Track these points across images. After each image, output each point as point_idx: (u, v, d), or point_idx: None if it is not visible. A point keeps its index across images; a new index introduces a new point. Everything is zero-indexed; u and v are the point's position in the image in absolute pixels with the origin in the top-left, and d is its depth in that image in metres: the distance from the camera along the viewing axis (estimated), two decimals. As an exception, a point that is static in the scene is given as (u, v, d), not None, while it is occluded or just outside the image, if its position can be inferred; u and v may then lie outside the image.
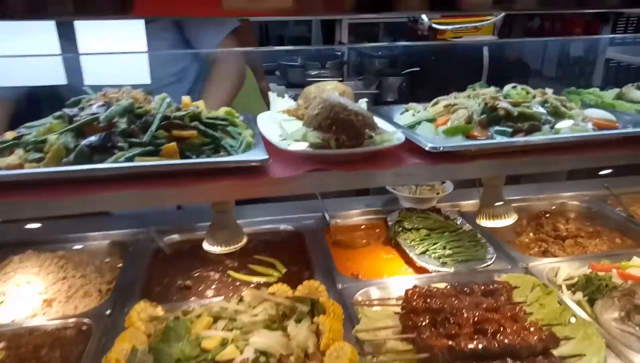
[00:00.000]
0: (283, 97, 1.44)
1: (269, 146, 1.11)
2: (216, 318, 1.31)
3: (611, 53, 5.01)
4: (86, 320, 1.43)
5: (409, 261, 1.80)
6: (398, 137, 1.09)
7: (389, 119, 1.32)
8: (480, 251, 1.78)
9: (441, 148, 1.03)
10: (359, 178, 1.06)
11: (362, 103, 1.40)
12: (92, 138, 1.01)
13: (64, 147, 1.00)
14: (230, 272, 1.74)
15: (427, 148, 1.04)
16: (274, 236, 2.00)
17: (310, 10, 0.93)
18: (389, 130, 1.13)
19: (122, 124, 1.06)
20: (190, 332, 1.25)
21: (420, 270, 1.73)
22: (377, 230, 2.07)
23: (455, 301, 1.44)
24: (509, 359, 1.28)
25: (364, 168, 1.05)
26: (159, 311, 1.41)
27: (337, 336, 1.28)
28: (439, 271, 1.69)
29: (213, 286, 1.68)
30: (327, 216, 2.07)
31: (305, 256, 1.84)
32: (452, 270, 1.69)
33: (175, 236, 1.97)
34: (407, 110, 1.40)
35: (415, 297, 1.45)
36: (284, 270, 1.76)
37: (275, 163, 1.05)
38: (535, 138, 1.10)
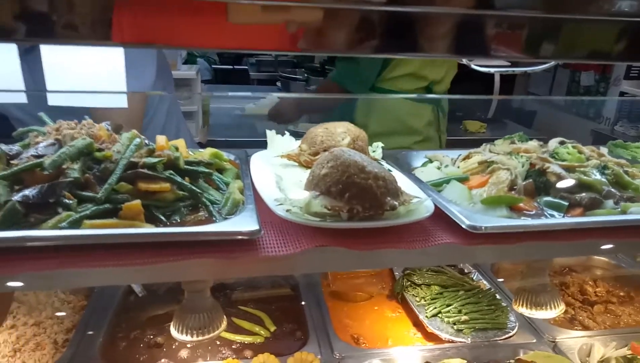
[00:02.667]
0: (283, 135, 1.20)
1: (262, 205, 0.88)
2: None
3: (626, 87, 4.82)
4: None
5: (418, 324, 1.56)
6: (427, 207, 0.86)
7: (408, 170, 1.09)
8: (500, 318, 1.54)
9: (483, 228, 0.80)
10: (374, 257, 0.83)
11: (378, 149, 1.18)
12: (28, 192, 0.77)
13: (-8, 201, 0.76)
14: (211, 327, 1.49)
15: (464, 226, 0.81)
16: (264, 280, 1.76)
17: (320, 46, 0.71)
18: (415, 195, 0.89)
19: (74, 172, 0.82)
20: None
21: (431, 337, 1.50)
22: (381, 280, 1.83)
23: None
24: None
25: (382, 244, 0.82)
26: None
27: None
28: (453, 340, 1.45)
29: (189, 345, 1.43)
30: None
31: (298, 311, 1.60)
32: (469, 340, 1.45)
33: (152, 275, 1.72)
34: (430, 161, 1.17)
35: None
36: (272, 329, 1.51)
37: (269, 234, 0.81)
38: (604, 217, 0.86)
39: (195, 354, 1.41)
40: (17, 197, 0.76)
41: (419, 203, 0.86)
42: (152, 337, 1.45)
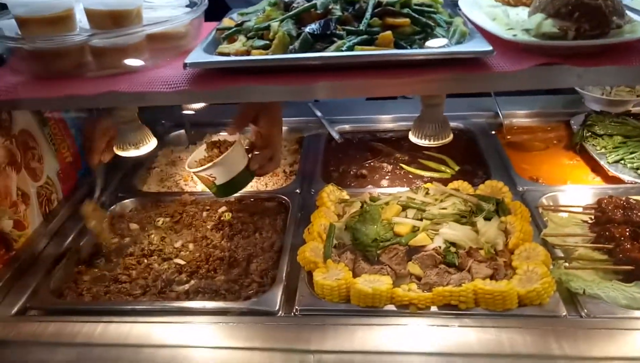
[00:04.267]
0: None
1: (485, 35, 1.03)
2: (405, 207, 1.37)
3: None
4: (283, 196, 1.60)
5: (598, 170, 1.65)
6: (650, 27, 0.93)
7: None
8: (692, 166, 1.55)
9: None
10: (597, 73, 0.94)
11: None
12: (313, 26, 1.02)
13: (288, 34, 1.03)
14: (403, 165, 1.77)
15: (692, 41, 0.88)
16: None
17: None
18: (637, 18, 0.96)
19: (337, 11, 1.06)
20: (382, 217, 1.33)
21: (612, 180, 1.59)
22: (557, 133, 1.91)
23: (660, 218, 1.31)
24: None
25: (604, 62, 0.93)
26: (345, 195, 1.52)
27: (527, 237, 1.27)
28: (637, 182, 1.53)
29: (387, 177, 1.74)
30: (500, 114, 1.96)
31: (477, 155, 1.79)
32: (654, 182, 1.52)
33: (345, 126, 2.04)
34: (645, -7, 1.17)
35: (611, 207, 1.35)
36: (456, 168, 1.74)
37: (499, 56, 0.97)
38: None
39: (393, 184, 1.71)
40: (307, 30, 1.02)
41: (643, 24, 0.93)
42: (356, 170, 1.78)
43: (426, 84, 1.01)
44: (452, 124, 1.93)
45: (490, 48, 0.95)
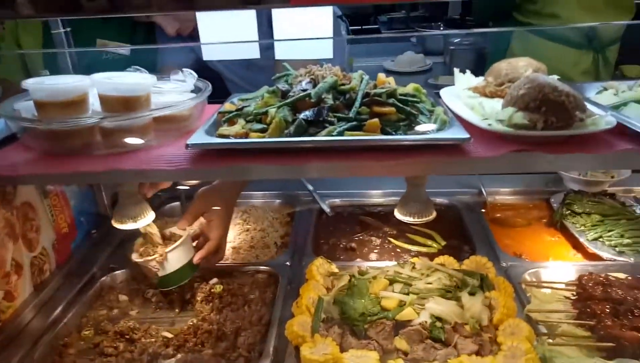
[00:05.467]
0: (464, 73, 1.43)
1: (463, 124, 1.13)
2: (392, 281, 1.40)
3: None
4: (273, 268, 1.63)
5: (578, 247, 1.71)
6: (608, 120, 1.04)
7: (587, 99, 1.25)
8: (665, 244, 1.63)
9: (665, 134, 0.96)
10: (562, 160, 1.04)
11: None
12: (307, 113, 1.12)
13: (284, 120, 1.13)
14: (391, 239, 1.83)
15: (646, 133, 0.98)
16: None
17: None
18: (598, 112, 1.07)
19: (329, 100, 1.16)
20: (369, 291, 1.36)
21: (592, 257, 1.65)
22: (539, 211, 1.99)
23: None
24: None
25: (568, 150, 1.03)
26: (334, 268, 1.56)
27: (511, 312, 1.30)
28: (615, 259, 1.59)
29: (375, 251, 1.79)
30: (484, 192, 2.05)
31: (463, 231, 1.86)
32: (632, 260, 1.58)
33: (335, 200, 2.11)
34: (605, 89, 1.31)
35: (591, 284, 1.40)
36: (443, 243, 1.80)
37: (474, 143, 1.07)
38: None
39: (382, 257, 1.75)
40: (302, 116, 1.12)
41: (601, 118, 1.04)
42: (345, 243, 1.83)
43: (409, 166, 1.10)
44: (439, 200, 2.07)
45: (468, 136, 1.05)
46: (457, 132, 1.07)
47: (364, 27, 7.17)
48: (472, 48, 4.20)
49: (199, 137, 1.11)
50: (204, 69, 2.20)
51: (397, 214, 1.27)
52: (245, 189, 2.15)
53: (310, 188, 2.14)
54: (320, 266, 1.52)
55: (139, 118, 1.13)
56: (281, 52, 1.67)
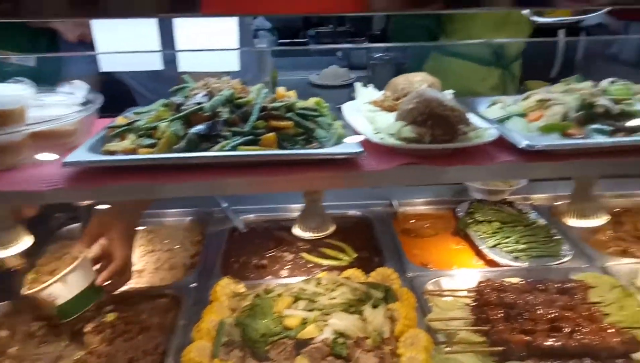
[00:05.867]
0: (367, 86, 1.46)
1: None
2: (296, 298, 1.38)
3: (700, 39, 4.61)
4: (176, 291, 1.55)
5: (480, 254, 1.79)
6: (491, 133, 1.09)
7: (476, 113, 1.32)
8: (554, 248, 1.75)
9: (538, 146, 1.02)
10: (450, 173, 1.07)
11: (448, 95, 1.40)
12: (200, 127, 1.08)
13: (175, 134, 1.08)
14: (303, 254, 1.81)
15: (522, 146, 1.04)
16: (343, 221, 2.04)
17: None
18: (482, 126, 1.13)
19: (225, 113, 1.13)
20: (273, 310, 1.33)
21: (491, 263, 1.73)
22: (446, 220, 2.07)
23: (530, 297, 1.44)
24: (587, 360, 1.28)
25: (455, 163, 1.07)
26: (241, 288, 1.51)
27: (412, 323, 1.32)
28: (511, 265, 1.69)
29: (287, 267, 1.76)
30: (394, 203, 2.10)
31: (374, 243, 1.88)
32: (526, 264, 1.67)
33: (250, 216, 2.06)
34: (494, 103, 1.38)
35: (488, 290, 1.47)
36: (354, 255, 1.81)
37: (368, 156, 1.08)
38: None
39: (293, 273, 1.73)
40: (193, 130, 1.07)
41: (485, 130, 1.10)
42: (257, 260, 1.79)
43: (304, 181, 1.09)
44: (352, 212, 2.09)
45: (361, 149, 1.05)
46: (351, 147, 1.08)
47: (294, 40, 7.26)
48: (392, 63, 4.35)
49: (79, 154, 1.03)
50: (113, 81, 2.09)
51: (296, 231, 1.25)
52: (154, 207, 2.05)
53: (225, 204, 2.08)
54: (225, 287, 1.47)
55: (9, 134, 1.03)
56: (185, 64, 1.61)
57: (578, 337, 1.29)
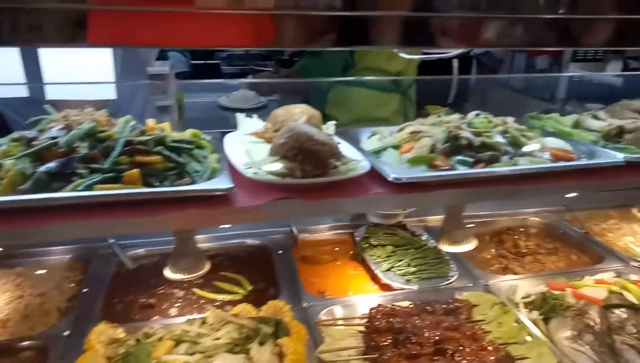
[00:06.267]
0: (251, 117, 1.43)
1: (235, 171, 1.11)
2: (178, 342, 1.29)
3: (574, 69, 5.21)
4: (43, 342, 1.39)
5: (375, 278, 1.82)
6: (363, 166, 1.11)
7: (356, 143, 1.34)
8: (443, 269, 1.82)
9: (403, 179, 1.05)
10: (323, 206, 1.07)
11: (330, 126, 1.42)
12: (51, 165, 0.98)
13: (21, 173, 0.97)
14: (195, 290, 1.72)
15: (389, 179, 1.06)
16: (241, 251, 1.99)
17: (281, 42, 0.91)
18: (355, 158, 1.14)
19: (83, 149, 1.04)
20: (151, 357, 1.23)
21: (385, 287, 1.76)
22: (344, 246, 2.08)
23: (417, 321, 1.47)
24: (467, 379, 1.32)
25: (328, 196, 1.06)
26: (120, 333, 1.39)
27: (300, 358, 1.29)
28: (402, 288, 1.72)
29: (177, 304, 1.66)
30: (294, 230, 2.08)
31: (271, 273, 1.84)
32: (416, 287, 1.72)
33: (140, 251, 1.93)
34: (373, 134, 1.42)
35: (378, 316, 1.48)
36: (249, 288, 1.75)
37: (240, 191, 1.05)
38: (494, 169, 1.14)
39: (183, 311, 1.63)
40: (42, 169, 0.97)
41: (357, 163, 1.11)
42: (145, 299, 1.67)
43: (174, 220, 1.02)
44: (250, 241, 2.04)
45: (231, 185, 1.02)
46: (222, 182, 1.04)
47: (207, 61, 7.13)
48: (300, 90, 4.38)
49: None
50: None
51: (167, 274, 1.18)
52: (29, 246, 1.85)
53: (112, 240, 1.93)
54: (101, 333, 1.34)
55: None
56: (53, 92, 1.49)
57: (458, 358, 1.33)
